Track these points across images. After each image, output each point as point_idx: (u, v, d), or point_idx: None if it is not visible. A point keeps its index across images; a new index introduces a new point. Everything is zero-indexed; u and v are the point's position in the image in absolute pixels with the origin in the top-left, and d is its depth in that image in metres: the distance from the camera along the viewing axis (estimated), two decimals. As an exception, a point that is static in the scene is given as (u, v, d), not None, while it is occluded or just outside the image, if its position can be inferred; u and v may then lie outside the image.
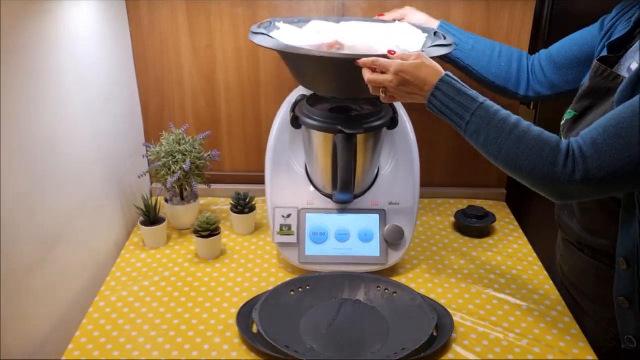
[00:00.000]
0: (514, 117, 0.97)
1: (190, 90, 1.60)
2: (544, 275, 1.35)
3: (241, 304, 1.21)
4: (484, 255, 1.43)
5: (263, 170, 1.40)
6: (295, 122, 1.31)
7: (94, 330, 1.17)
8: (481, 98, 0.99)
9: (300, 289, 1.25)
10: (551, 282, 1.33)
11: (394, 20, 1.35)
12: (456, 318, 1.19)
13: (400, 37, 1.23)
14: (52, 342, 1.12)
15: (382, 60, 1.04)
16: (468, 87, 1.01)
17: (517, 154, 0.94)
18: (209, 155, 1.48)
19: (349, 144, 1.23)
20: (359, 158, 1.29)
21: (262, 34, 1.18)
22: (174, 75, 1.58)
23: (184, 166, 1.41)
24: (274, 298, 1.21)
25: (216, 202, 1.65)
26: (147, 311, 1.23)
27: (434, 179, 1.69)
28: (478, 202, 1.65)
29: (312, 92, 1.36)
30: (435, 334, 1.13)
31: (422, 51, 1.13)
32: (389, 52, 1.07)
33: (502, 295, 1.28)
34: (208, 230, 1.37)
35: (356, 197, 1.35)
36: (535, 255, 1.43)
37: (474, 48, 1.33)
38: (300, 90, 1.39)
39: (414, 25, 1.32)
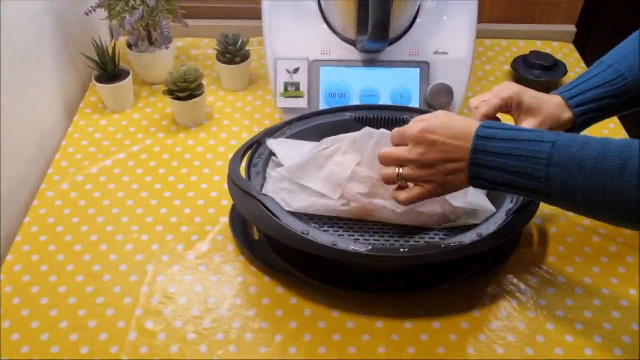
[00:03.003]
0: (609, 142, 0.57)
1: None
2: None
3: (236, 196, 0.90)
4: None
5: (259, 2, 1.00)
6: None
7: (40, 234, 0.87)
8: (549, 135, 0.59)
9: None
10: None
11: None
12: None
13: None
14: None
15: (396, 130, 0.68)
16: (519, 127, 0.65)
17: None
18: (182, -19, 1.07)
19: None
20: (397, -13, 0.89)
21: (253, 198, 0.76)
22: None
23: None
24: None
25: (197, 44, 1.26)
26: (110, 204, 0.92)
27: (482, 13, 1.28)
28: (538, 44, 1.27)
29: None
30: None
31: None
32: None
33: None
34: (187, 90, 1.01)
35: (389, 43, 0.97)
36: (618, 121, 1.10)
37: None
38: None
39: None
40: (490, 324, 0.77)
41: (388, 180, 0.69)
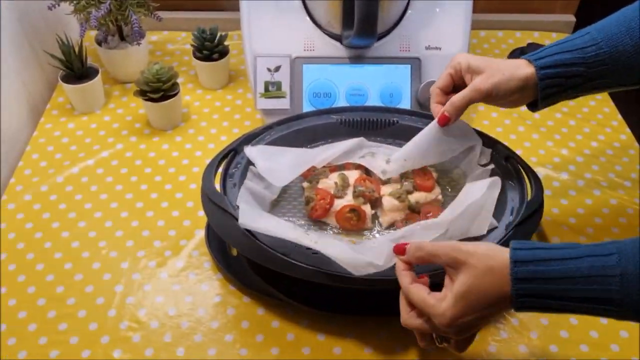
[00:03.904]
0: None
1: None
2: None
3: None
4: (549, 119, 1.02)
5: (236, -4, 0.93)
6: None
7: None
8: (609, 259, 0.49)
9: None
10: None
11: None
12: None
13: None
14: None
15: (411, 291, 0.56)
16: (559, 252, 0.52)
17: None
18: (153, -29, 0.99)
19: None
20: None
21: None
22: None
23: (115, -9, 0.93)
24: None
25: (173, 38, 1.18)
26: (76, 217, 0.84)
27: (476, 3, 1.20)
28: (536, 36, 1.20)
29: None
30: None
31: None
32: (397, 248, 0.59)
33: (581, 182, 0.91)
34: (160, 90, 0.93)
35: (377, 38, 0.90)
36: (619, 117, 1.03)
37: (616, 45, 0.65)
38: None
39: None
40: (488, 346, 0.71)
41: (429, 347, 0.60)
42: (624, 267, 0.48)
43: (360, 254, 0.62)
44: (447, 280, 0.55)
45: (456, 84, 0.72)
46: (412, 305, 0.57)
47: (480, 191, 0.64)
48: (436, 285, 0.57)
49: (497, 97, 0.67)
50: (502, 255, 0.52)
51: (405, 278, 0.57)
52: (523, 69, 0.66)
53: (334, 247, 0.63)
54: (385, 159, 0.78)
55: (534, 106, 0.70)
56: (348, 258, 0.62)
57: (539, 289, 0.51)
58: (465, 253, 0.53)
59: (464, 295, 0.52)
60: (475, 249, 0.53)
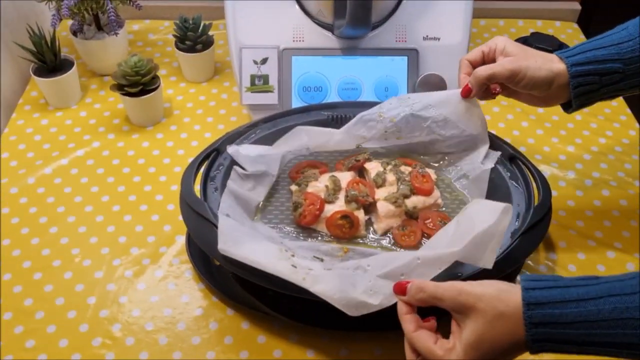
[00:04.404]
0: None
1: None
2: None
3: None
4: (555, 114, 0.96)
5: (220, -17, 0.86)
6: None
7: (-38, 260, 0.74)
8: (631, 299, 0.44)
9: None
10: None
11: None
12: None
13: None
14: None
15: (416, 340, 0.50)
16: (577, 291, 0.46)
17: None
18: (132, -45, 0.92)
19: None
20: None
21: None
22: None
23: (90, -23, 0.86)
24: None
25: (155, 27, 1.11)
26: (48, 222, 0.78)
27: (476, -12, 1.15)
28: (539, 24, 1.14)
29: None
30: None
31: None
32: (397, 287, 0.52)
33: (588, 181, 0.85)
34: (138, 84, 0.87)
35: (372, 28, 0.84)
36: (628, 112, 0.98)
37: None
38: None
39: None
40: (492, 363, 0.65)
41: None
42: None
43: (352, 287, 0.56)
44: (454, 327, 0.49)
45: (486, 64, 0.68)
46: (416, 351, 0.51)
47: (491, 218, 0.57)
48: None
49: (522, 82, 0.63)
50: (514, 297, 0.46)
51: (409, 325, 0.51)
52: (555, 63, 0.63)
53: (324, 283, 0.57)
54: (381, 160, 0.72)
55: (568, 106, 0.66)
56: (340, 298, 0.56)
57: (556, 333, 0.45)
58: (472, 296, 0.47)
59: (475, 345, 0.47)
60: (483, 291, 0.48)
